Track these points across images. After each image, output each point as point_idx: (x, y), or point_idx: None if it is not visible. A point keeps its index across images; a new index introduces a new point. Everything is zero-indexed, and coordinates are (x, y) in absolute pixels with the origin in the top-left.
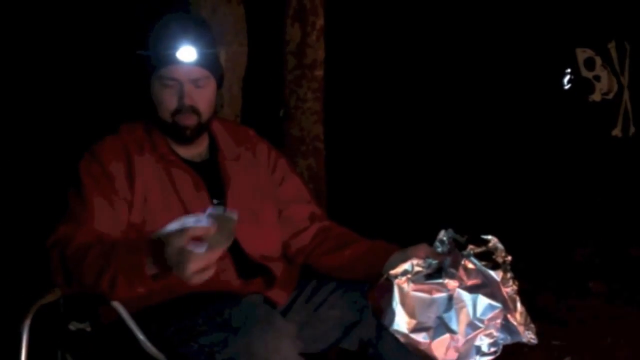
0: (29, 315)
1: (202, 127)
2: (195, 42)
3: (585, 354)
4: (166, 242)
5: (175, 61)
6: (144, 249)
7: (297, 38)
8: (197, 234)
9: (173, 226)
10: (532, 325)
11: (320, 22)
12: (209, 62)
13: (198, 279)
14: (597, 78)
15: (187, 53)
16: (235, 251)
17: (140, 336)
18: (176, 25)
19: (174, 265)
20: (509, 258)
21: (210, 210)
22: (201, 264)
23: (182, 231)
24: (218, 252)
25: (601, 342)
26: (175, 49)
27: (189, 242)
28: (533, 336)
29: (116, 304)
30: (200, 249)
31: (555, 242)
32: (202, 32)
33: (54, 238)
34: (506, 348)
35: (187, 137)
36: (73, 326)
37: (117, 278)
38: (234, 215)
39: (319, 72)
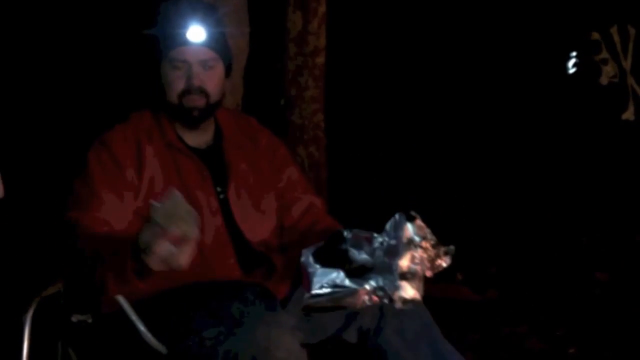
0: (30, 308)
1: (210, 110)
2: (203, 22)
3: (589, 344)
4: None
5: (184, 42)
6: (127, 249)
7: (299, 25)
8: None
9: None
10: None
11: (322, 9)
12: (218, 44)
13: (162, 263)
14: (604, 61)
15: (195, 33)
16: (237, 239)
17: (141, 327)
18: (184, 7)
19: (144, 246)
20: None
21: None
22: (166, 246)
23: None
24: (176, 233)
25: (606, 333)
26: (184, 29)
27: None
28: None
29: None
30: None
31: (562, 230)
32: (209, 13)
33: (65, 223)
34: (508, 338)
35: (194, 118)
36: (75, 318)
37: (105, 276)
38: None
39: (321, 60)
